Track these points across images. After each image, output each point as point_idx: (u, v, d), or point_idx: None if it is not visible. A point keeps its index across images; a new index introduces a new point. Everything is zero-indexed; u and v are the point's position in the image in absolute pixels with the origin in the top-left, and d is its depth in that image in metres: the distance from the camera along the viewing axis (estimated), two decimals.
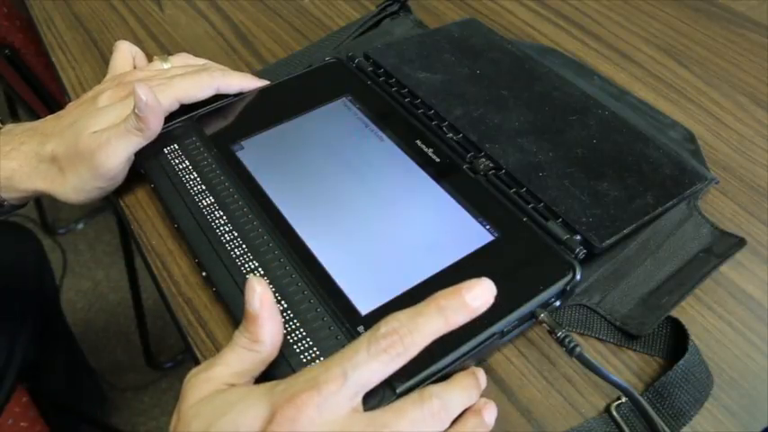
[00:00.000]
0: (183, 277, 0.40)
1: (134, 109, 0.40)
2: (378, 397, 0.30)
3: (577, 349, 0.33)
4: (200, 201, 0.41)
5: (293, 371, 0.32)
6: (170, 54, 0.50)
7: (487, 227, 0.38)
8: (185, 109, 0.45)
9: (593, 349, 0.37)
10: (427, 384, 0.32)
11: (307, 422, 0.27)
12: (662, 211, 0.40)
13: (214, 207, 0.40)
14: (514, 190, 0.41)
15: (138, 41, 0.59)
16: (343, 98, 0.48)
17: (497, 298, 0.34)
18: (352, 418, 0.28)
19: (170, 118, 0.45)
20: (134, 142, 0.41)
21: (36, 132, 0.43)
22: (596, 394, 0.35)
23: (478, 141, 0.44)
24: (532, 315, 0.35)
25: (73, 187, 0.42)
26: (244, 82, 0.48)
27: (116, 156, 0.41)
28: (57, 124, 0.44)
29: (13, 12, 1.00)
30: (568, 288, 0.36)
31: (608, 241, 0.38)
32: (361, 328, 0.33)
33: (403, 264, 0.37)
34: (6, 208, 0.46)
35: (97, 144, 0.41)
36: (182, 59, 0.50)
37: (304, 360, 0.32)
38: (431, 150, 0.43)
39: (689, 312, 0.38)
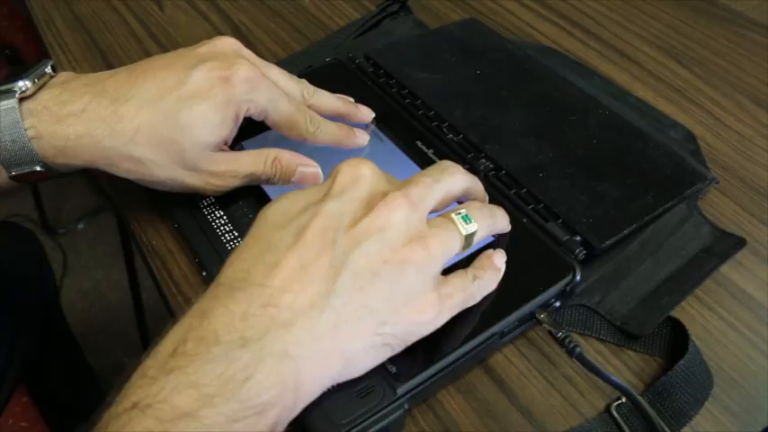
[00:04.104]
0: (183, 277, 0.40)
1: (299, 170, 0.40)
2: (378, 396, 0.30)
3: (577, 350, 0.33)
4: (201, 201, 0.41)
5: None
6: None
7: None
8: None
9: (593, 349, 0.37)
10: (428, 385, 0.32)
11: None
12: (662, 211, 0.40)
13: (214, 207, 0.40)
14: (514, 191, 0.41)
15: (138, 41, 0.59)
16: None
17: (498, 299, 0.34)
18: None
19: None
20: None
21: (105, 93, 0.36)
22: (596, 394, 0.35)
23: (478, 142, 0.44)
24: (532, 316, 0.35)
25: (152, 174, 0.37)
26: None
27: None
28: (134, 84, 0.36)
29: (14, 12, 1.00)
30: (568, 289, 0.36)
31: (608, 242, 0.38)
32: None
33: None
34: (51, 174, 0.37)
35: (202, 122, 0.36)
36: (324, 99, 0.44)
37: None
38: (431, 151, 0.43)
39: (689, 312, 0.38)
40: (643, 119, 0.49)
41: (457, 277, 0.32)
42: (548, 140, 0.44)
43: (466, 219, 0.32)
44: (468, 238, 0.32)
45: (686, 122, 0.50)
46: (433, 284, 0.31)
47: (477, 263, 0.34)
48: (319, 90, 0.43)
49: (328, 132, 0.42)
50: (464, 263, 0.34)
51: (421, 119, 0.46)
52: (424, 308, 0.30)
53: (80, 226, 1.49)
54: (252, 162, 0.39)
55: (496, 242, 0.37)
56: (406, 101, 0.48)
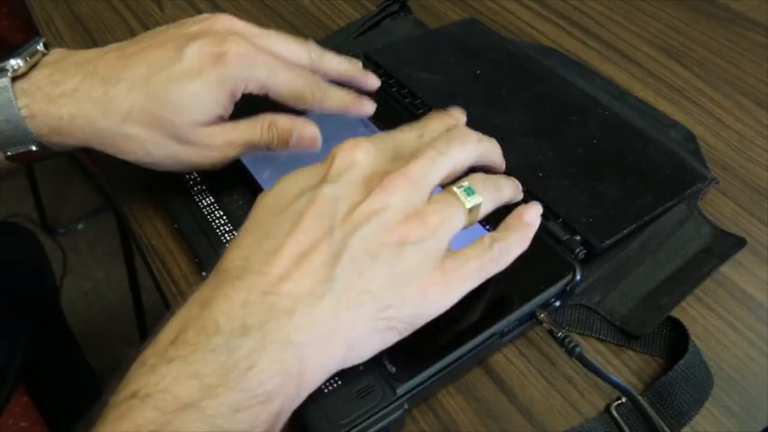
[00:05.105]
0: (182, 277, 0.40)
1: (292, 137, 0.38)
2: (378, 396, 0.30)
3: (577, 350, 0.33)
4: (201, 201, 0.41)
5: None
6: None
7: (487, 227, 0.38)
8: None
9: (593, 349, 0.37)
10: (428, 385, 0.32)
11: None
12: (662, 211, 0.40)
13: (214, 207, 0.40)
14: None
15: None
16: None
17: (498, 298, 0.34)
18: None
19: None
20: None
21: (96, 74, 0.36)
22: (596, 394, 0.35)
23: None
24: (532, 315, 0.35)
25: (147, 152, 0.37)
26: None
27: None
28: (125, 65, 0.36)
29: (13, 12, 1.00)
30: (568, 288, 0.36)
31: (608, 242, 0.38)
32: None
33: None
34: (46, 154, 0.38)
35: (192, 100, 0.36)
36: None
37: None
38: None
39: (689, 312, 0.38)
40: (643, 119, 0.49)
41: (471, 247, 0.31)
42: (548, 140, 0.44)
43: (468, 191, 0.31)
44: (473, 210, 0.31)
45: (686, 122, 0.50)
46: (436, 262, 0.29)
47: (501, 225, 0.32)
48: (327, 52, 0.41)
49: (335, 98, 0.40)
50: None
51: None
52: (427, 287, 0.29)
53: (80, 226, 1.49)
54: (247, 129, 0.38)
55: None
56: (406, 100, 0.48)
